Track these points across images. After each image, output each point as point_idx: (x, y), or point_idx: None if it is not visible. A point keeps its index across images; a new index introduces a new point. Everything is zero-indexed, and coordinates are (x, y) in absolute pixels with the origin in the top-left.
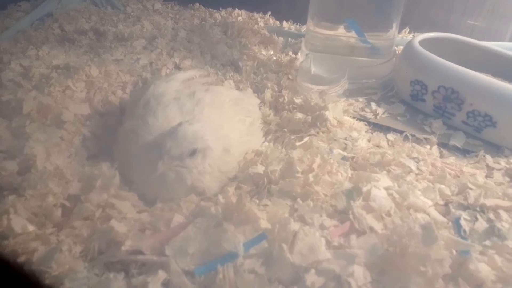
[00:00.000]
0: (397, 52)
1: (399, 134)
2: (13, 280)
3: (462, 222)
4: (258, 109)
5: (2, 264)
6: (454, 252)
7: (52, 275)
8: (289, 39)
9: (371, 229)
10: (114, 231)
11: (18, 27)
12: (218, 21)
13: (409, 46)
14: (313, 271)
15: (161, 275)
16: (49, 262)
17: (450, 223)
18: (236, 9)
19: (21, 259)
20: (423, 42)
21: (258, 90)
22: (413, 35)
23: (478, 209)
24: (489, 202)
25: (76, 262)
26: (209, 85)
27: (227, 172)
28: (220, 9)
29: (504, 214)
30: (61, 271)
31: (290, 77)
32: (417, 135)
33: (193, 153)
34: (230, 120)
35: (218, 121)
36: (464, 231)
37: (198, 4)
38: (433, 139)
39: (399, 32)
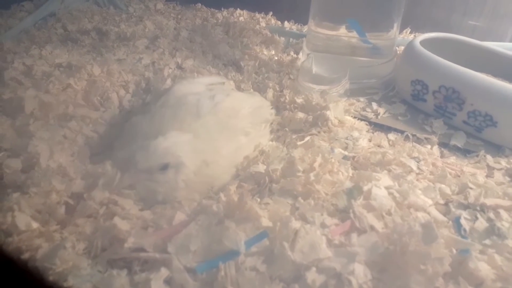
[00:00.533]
0: (398, 52)
1: (400, 134)
2: (17, 277)
3: (462, 221)
4: (273, 114)
5: (6, 261)
6: (454, 251)
7: (55, 271)
8: (291, 39)
9: (372, 227)
10: (117, 228)
11: (21, 27)
12: (220, 21)
13: (410, 46)
14: (314, 269)
15: (164, 272)
16: (52, 259)
17: (450, 222)
18: (238, 9)
19: (25, 256)
20: (424, 42)
21: (260, 90)
22: (414, 35)
23: (478, 208)
24: (489, 201)
25: (79, 259)
26: (231, 90)
27: (210, 182)
28: (222, 9)
29: (504, 214)
30: (65, 267)
31: (292, 77)
32: (418, 135)
33: (164, 168)
34: (241, 129)
35: (223, 129)
36: (464, 230)
37: (200, 4)
38: (434, 138)
39: (400, 32)
